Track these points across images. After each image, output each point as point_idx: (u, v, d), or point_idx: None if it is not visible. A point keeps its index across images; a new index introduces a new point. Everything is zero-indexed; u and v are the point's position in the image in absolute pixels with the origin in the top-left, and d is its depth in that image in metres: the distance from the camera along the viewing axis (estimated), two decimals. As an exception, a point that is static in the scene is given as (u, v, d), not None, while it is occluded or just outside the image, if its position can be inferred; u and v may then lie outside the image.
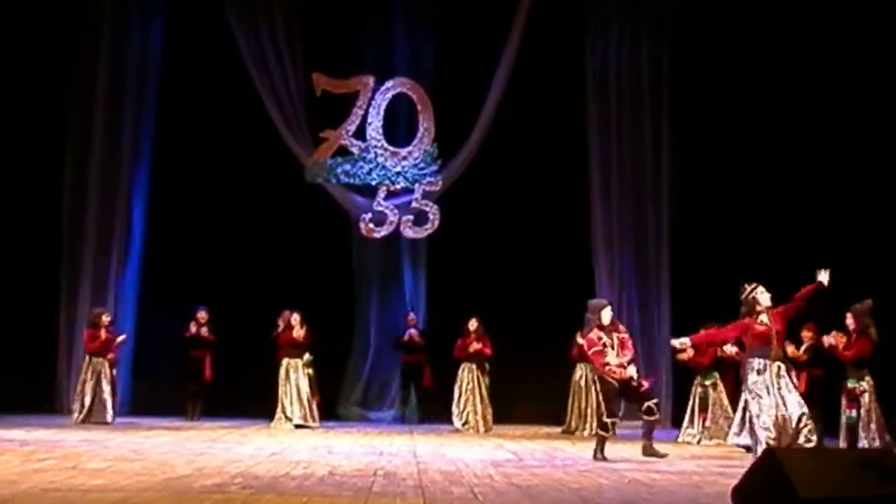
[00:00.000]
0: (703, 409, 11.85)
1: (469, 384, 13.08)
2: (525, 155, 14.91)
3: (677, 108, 14.95)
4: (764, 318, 8.38)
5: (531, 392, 14.15)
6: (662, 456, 9.02)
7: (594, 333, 9.21)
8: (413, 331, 13.99)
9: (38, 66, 14.33)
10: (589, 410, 12.83)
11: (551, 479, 7.34)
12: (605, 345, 9.15)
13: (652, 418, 9.23)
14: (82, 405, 12.60)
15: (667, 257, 14.92)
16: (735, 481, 5.34)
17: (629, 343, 9.31)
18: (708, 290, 13.46)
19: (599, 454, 9.03)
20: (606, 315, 9.25)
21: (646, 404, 9.21)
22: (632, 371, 9.13)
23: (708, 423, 11.74)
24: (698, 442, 11.47)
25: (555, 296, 14.52)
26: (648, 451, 9.14)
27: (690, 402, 12.04)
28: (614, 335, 9.23)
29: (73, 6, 14.84)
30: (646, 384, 9.23)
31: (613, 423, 9.20)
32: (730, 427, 10.81)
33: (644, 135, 15.12)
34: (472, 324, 13.15)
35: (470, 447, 10.25)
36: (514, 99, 14.91)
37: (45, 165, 14.61)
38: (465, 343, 13.11)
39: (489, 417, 13.03)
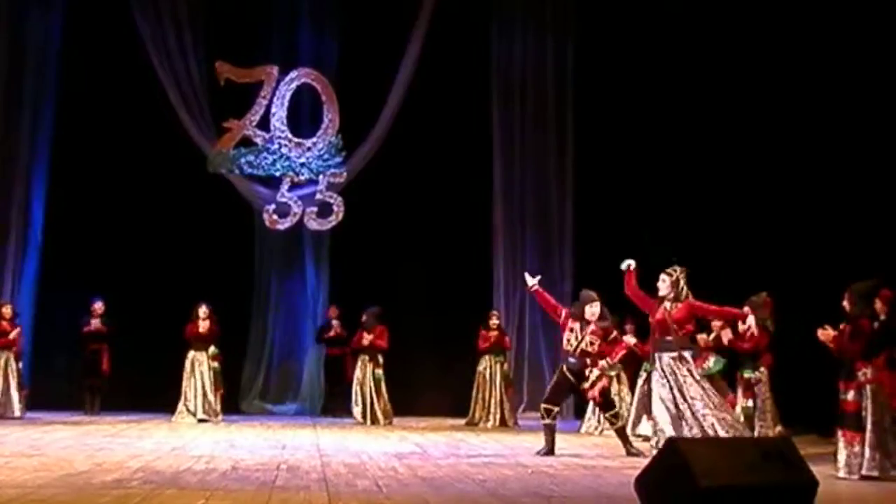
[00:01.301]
0: (605, 400, 12.09)
1: (363, 377, 13.05)
2: (430, 147, 14.96)
3: (581, 107, 15.19)
4: (667, 305, 8.53)
5: (435, 384, 14.26)
6: (637, 454, 8.79)
7: (570, 320, 9.14)
8: (336, 322, 13.91)
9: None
10: (493, 402, 13.00)
11: (456, 470, 7.45)
12: (570, 330, 9.08)
13: (616, 425, 9.27)
14: None
15: (570, 254, 15.15)
16: (637, 471, 5.49)
17: (614, 348, 9.26)
18: (612, 289, 13.78)
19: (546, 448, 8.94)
20: (589, 311, 9.14)
21: (607, 413, 9.33)
22: (594, 376, 9.01)
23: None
24: (600, 433, 11.73)
25: (458, 288, 14.67)
26: (630, 453, 8.93)
27: (592, 393, 12.27)
28: (588, 329, 9.08)
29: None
30: (593, 392, 9.09)
31: (548, 410, 8.97)
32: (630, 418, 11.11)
33: (548, 133, 15.32)
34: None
35: (374, 440, 10.32)
36: (419, 91, 14.94)
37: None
38: (360, 335, 13.10)
39: (388, 409, 13.03)
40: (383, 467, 7.58)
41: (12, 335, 12.67)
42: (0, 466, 6.99)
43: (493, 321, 13.29)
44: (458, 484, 6.65)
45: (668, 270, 8.60)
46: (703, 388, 8.28)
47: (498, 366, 13.15)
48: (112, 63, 14.52)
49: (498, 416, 12.95)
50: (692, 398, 8.19)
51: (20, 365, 12.78)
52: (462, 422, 13.08)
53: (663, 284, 8.55)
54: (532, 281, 9.45)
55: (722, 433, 7.90)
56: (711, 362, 9.66)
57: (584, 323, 9.10)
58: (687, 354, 8.48)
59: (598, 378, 9.03)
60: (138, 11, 14.57)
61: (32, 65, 14.74)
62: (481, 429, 12.61)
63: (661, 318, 8.48)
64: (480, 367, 13.14)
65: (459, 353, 13.56)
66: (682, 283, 8.53)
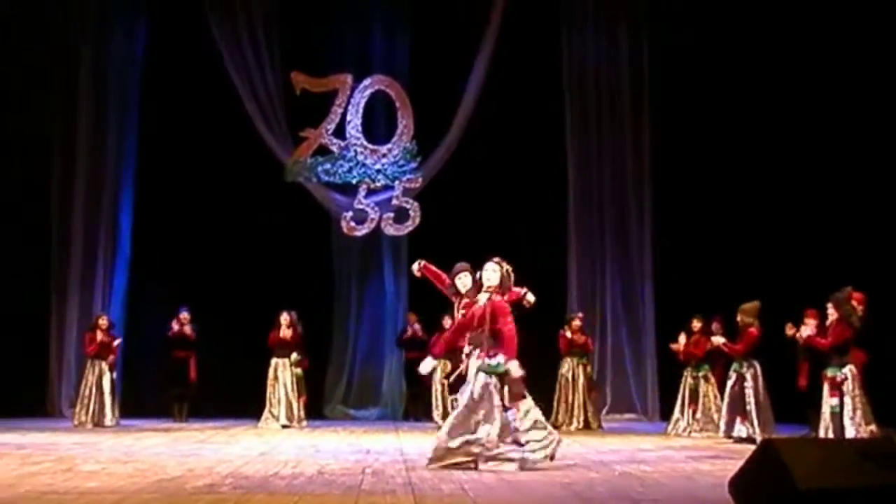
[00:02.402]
0: (693, 400, 11.92)
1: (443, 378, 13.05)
2: (504, 150, 14.97)
3: (658, 106, 15.03)
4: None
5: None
6: None
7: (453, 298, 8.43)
8: (417, 326, 13.95)
9: (22, 73, 14.19)
10: (576, 405, 12.90)
11: (541, 474, 7.39)
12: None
13: None
14: (84, 408, 12.63)
15: (649, 254, 14.99)
16: (730, 473, 5.38)
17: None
18: (691, 286, 13.62)
19: None
20: (459, 283, 8.46)
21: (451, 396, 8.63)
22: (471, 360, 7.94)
23: (699, 415, 11.81)
24: (688, 434, 11.55)
25: (537, 291, 14.57)
26: None
27: (680, 394, 12.12)
28: (461, 302, 8.34)
29: (54, 11, 14.71)
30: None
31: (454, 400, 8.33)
32: (720, 419, 10.93)
33: (624, 132, 15.21)
34: (447, 321, 13.15)
35: (457, 443, 10.27)
36: (492, 94, 14.97)
37: (32, 171, 14.55)
38: (437, 338, 13.07)
39: None
40: (468, 471, 7.56)
41: (115, 345, 13.04)
42: (97, 472, 7.16)
43: (576, 323, 13.18)
44: (545, 487, 6.60)
45: (498, 260, 8.02)
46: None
47: (581, 368, 13.05)
48: (192, 78, 14.84)
49: (582, 419, 12.85)
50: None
51: (114, 375, 13.10)
52: (545, 424, 12.99)
53: (494, 275, 7.87)
54: (416, 266, 8.90)
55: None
56: (495, 361, 8.42)
57: (459, 298, 8.42)
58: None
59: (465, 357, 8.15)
60: (216, 27, 14.87)
61: (116, 83, 15.18)
62: (564, 431, 12.49)
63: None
64: (563, 370, 13.06)
65: (540, 356, 13.46)
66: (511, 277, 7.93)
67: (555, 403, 12.99)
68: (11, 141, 14.14)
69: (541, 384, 13.27)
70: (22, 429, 11.61)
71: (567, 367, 13.06)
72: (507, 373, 7.62)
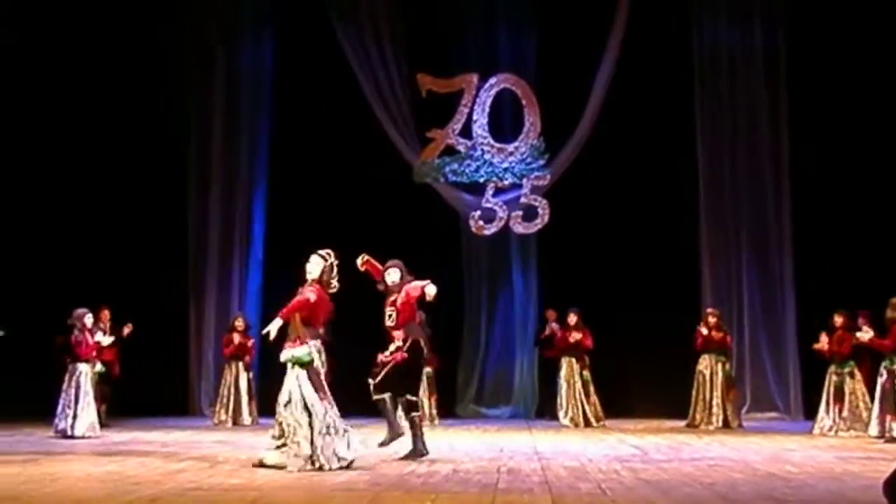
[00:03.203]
0: (839, 398, 11.45)
1: (569, 377, 12.91)
2: (634, 144, 14.73)
3: (796, 97, 14.49)
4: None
5: (650, 385, 13.95)
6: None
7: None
8: (555, 325, 13.86)
9: (159, 80, 14.71)
10: (714, 403, 12.56)
11: (681, 473, 7.23)
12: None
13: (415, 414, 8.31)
14: (223, 408, 13.03)
15: (790, 250, 14.50)
16: (883, 474, 5.12)
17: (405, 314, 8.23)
18: (834, 280, 13.11)
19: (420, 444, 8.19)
20: (388, 279, 8.61)
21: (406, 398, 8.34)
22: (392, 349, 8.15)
23: (845, 414, 11.34)
24: (835, 433, 11.11)
25: (668, 286, 14.33)
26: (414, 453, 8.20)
27: (825, 392, 11.66)
28: (389, 299, 8.46)
29: (185, 22, 15.20)
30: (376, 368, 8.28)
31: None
32: (870, 417, 10.47)
33: (759, 125, 14.74)
34: (572, 318, 13.00)
35: (591, 442, 10.19)
36: (620, 87, 14.74)
37: (170, 176, 15.03)
38: (565, 335, 12.97)
39: (598, 411, 12.84)
40: (605, 470, 7.46)
41: (250, 345, 13.38)
42: (238, 470, 7.34)
43: (711, 319, 12.83)
44: (685, 487, 6.45)
45: (323, 253, 8.02)
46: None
47: (720, 365, 12.70)
48: (320, 82, 15.09)
49: (720, 418, 12.50)
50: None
51: (250, 375, 13.44)
52: (681, 423, 12.73)
53: (316, 267, 7.94)
54: (359, 260, 8.74)
55: None
56: (299, 351, 7.71)
57: (388, 292, 8.46)
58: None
59: (395, 351, 8.30)
60: (341, 31, 15.08)
61: (248, 89, 15.55)
62: (703, 430, 12.20)
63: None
64: (700, 367, 12.73)
65: (674, 353, 13.20)
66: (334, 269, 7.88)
67: (692, 401, 12.69)
68: (150, 147, 14.66)
69: (677, 382, 13.05)
70: (165, 427, 12.03)
71: (704, 364, 12.72)
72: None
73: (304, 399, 7.45)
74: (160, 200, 14.82)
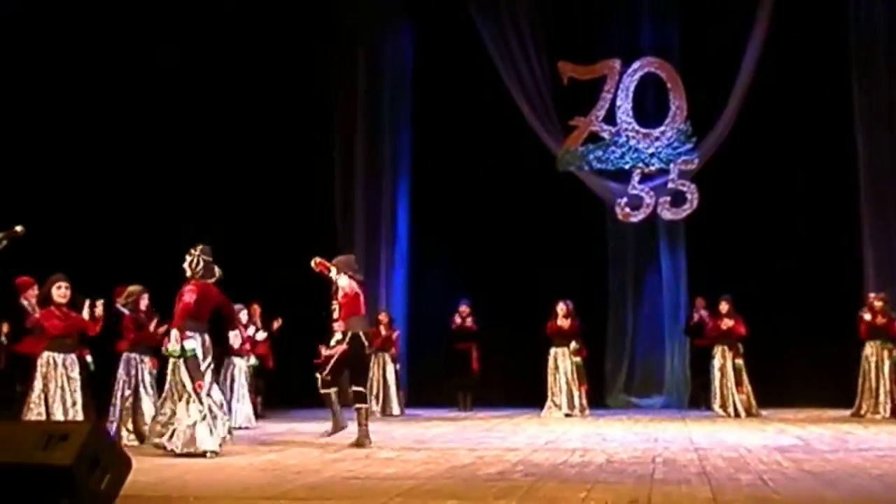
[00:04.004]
0: None
1: (722, 366, 12.54)
2: (785, 125, 14.24)
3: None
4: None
5: (810, 373, 13.44)
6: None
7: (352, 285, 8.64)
8: (704, 312, 13.55)
9: (303, 75, 15.02)
10: (881, 391, 11.98)
11: (847, 464, 6.94)
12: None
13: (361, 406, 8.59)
14: (373, 399, 13.28)
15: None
16: None
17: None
18: None
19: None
20: (332, 273, 8.86)
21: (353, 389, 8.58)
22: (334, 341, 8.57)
23: None
24: None
25: (826, 272, 13.78)
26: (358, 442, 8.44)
27: None
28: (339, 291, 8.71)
29: (325, 21, 15.46)
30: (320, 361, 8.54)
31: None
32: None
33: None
34: (723, 305, 12.61)
35: (749, 432, 9.89)
36: (769, 67, 14.24)
37: (315, 170, 15.34)
38: (717, 323, 12.61)
39: (751, 400, 12.43)
40: (765, 461, 7.21)
41: (394, 337, 13.58)
42: (393, 459, 7.45)
43: (877, 304, 12.19)
44: (852, 479, 6.17)
45: (190, 250, 8.19)
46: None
47: (886, 352, 12.10)
48: (460, 75, 15.13)
49: (888, 407, 11.90)
50: None
51: (398, 367, 13.64)
52: (846, 413, 12.19)
53: (186, 266, 8.19)
54: (312, 263, 8.91)
55: None
56: (188, 344, 7.91)
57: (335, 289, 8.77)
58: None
59: (336, 344, 8.55)
60: (481, 23, 15.06)
61: (389, 86, 15.74)
62: (869, 420, 11.66)
63: None
64: (866, 354, 12.16)
65: (835, 341, 12.67)
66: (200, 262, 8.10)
67: (858, 390, 12.14)
68: (294, 146, 14.99)
69: (838, 370, 12.51)
70: (318, 419, 12.28)
71: (870, 351, 12.14)
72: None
73: (185, 388, 7.81)
74: (306, 199, 15.12)
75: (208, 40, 14.40)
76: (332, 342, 8.74)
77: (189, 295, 7.97)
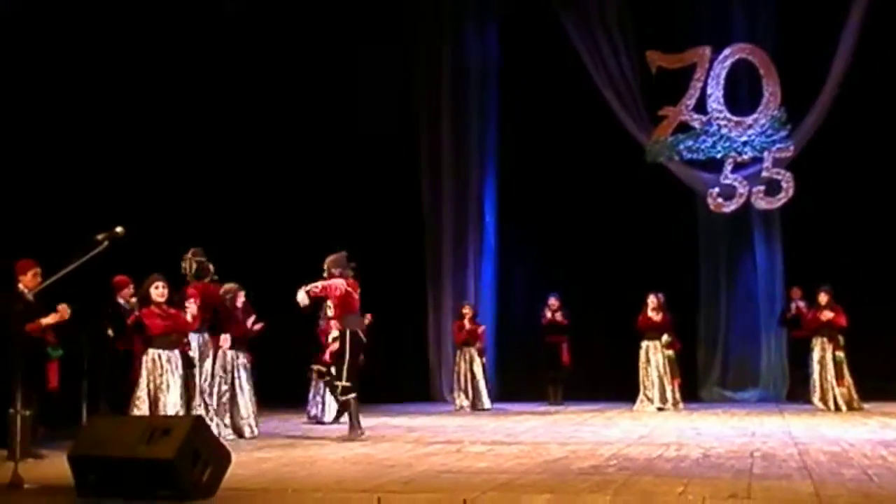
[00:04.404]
0: None
1: (822, 359, 12.20)
2: (883, 111, 13.78)
3: None
4: None
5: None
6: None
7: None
8: (801, 303, 13.24)
9: (383, 82, 15.11)
10: None
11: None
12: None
13: (336, 395, 8.94)
14: (462, 393, 13.33)
15: None
16: None
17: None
18: None
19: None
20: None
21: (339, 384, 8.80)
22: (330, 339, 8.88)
23: None
24: None
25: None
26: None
27: None
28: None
29: (410, 19, 15.52)
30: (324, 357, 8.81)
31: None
32: None
33: None
34: (822, 297, 12.27)
35: (851, 426, 9.62)
36: (867, 50, 13.78)
37: (402, 173, 15.43)
38: (815, 314, 12.27)
39: (851, 393, 12.08)
40: (869, 455, 7.02)
41: (479, 331, 13.55)
42: (485, 453, 7.46)
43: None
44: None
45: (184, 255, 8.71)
46: None
47: None
48: (545, 69, 15.01)
49: None
50: None
51: (484, 360, 13.63)
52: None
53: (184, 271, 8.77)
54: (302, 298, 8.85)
55: None
56: None
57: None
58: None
59: (332, 341, 8.81)
60: (566, 16, 14.93)
61: (475, 83, 15.71)
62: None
63: None
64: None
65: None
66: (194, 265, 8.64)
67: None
68: (382, 144, 15.09)
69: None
70: (409, 413, 12.41)
71: None
72: None
73: None
74: (395, 196, 15.23)
75: (295, 41, 14.61)
76: (330, 339, 9.04)
77: (190, 311, 8.52)
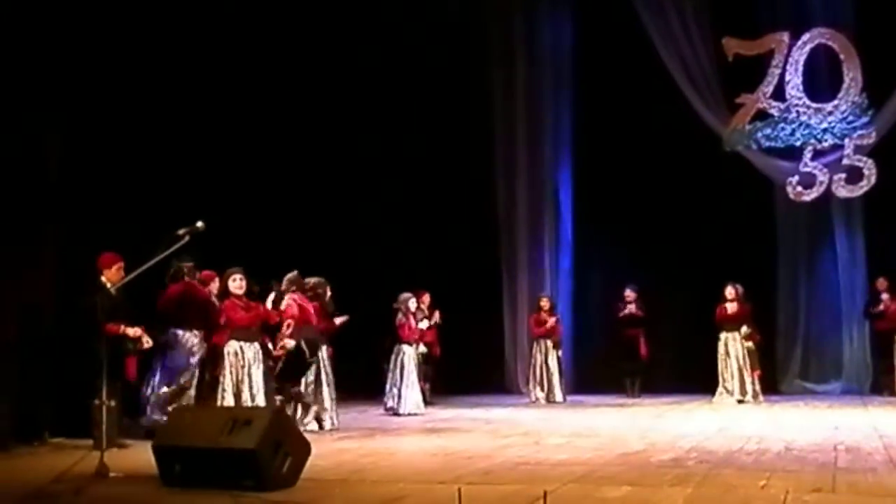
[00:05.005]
0: None
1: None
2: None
3: None
4: None
5: None
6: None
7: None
8: (885, 296, 12.92)
9: (457, 67, 15.08)
10: None
11: None
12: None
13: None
14: (538, 385, 13.31)
15: None
16: None
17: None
18: None
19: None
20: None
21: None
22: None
23: None
24: None
25: None
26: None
27: None
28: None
29: (482, 8, 15.50)
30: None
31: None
32: None
33: None
34: (881, 282, 11.93)
35: (938, 420, 9.36)
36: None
37: (478, 163, 15.40)
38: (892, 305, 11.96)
39: None
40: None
41: (549, 324, 13.48)
42: (563, 446, 7.44)
43: None
44: None
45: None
46: None
47: None
48: (620, 56, 14.80)
49: None
50: None
51: (559, 353, 13.58)
52: None
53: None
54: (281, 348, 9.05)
55: None
56: None
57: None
58: None
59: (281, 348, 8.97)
60: (639, 2, 14.74)
61: (550, 70, 15.59)
62: None
63: None
64: None
65: None
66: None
67: None
68: (455, 132, 15.08)
69: None
70: (485, 405, 12.43)
71: None
72: None
73: None
74: (468, 185, 15.20)
75: (368, 29, 14.64)
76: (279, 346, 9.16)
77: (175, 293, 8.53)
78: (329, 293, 9.90)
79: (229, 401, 8.12)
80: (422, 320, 12.27)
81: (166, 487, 5.49)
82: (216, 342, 8.51)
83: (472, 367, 14.43)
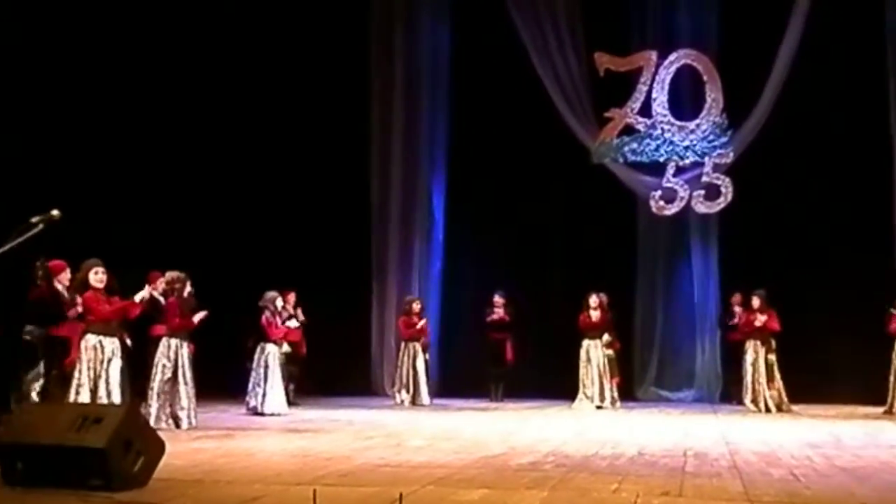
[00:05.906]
0: None
1: (755, 361, 12.46)
2: (820, 119, 14.03)
3: None
4: None
5: (844, 370, 13.26)
6: None
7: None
8: (738, 308, 13.45)
9: (336, 71, 15.04)
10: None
11: (878, 461, 6.93)
12: None
13: None
14: (403, 387, 13.32)
15: None
16: None
17: None
18: None
19: None
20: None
21: None
22: None
23: None
24: None
25: (863, 268, 13.60)
26: None
27: None
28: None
29: (365, 11, 15.47)
30: None
31: None
32: None
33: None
34: (755, 300, 12.52)
35: (781, 428, 9.85)
36: (806, 59, 14.03)
37: (351, 165, 15.36)
38: (749, 318, 12.52)
39: (781, 396, 12.36)
40: (796, 456, 7.19)
41: (419, 326, 13.54)
42: (424, 448, 7.47)
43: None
44: (884, 475, 6.16)
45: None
46: None
47: None
48: (497, 65, 15.02)
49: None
50: None
51: (427, 356, 13.65)
52: (878, 410, 12.06)
53: None
54: None
55: None
56: None
57: None
58: None
59: None
60: (517, 13, 14.96)
61: (427, 77, 15.66)
62: None
63: None
64: (896, 352, 12.04)
65: (869, 338, 12.51)
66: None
67: (889, 387, 11.99)
68: (332, 133, 15.04)
69: (875, 368, 12.35)
70: (349, 406, 12.39)
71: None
72: None
73: None
74: (342, 186, 15.17)
75: (241, 32, 14.49)
76: None
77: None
78: (189, 288, 9.65)
79: (85, 397, 7.83)
80: (289, 319, 12.15)
81: (7, 486, 5.26)
82: (66, 335, 8.21)
83: (337, 368, 14.36)
